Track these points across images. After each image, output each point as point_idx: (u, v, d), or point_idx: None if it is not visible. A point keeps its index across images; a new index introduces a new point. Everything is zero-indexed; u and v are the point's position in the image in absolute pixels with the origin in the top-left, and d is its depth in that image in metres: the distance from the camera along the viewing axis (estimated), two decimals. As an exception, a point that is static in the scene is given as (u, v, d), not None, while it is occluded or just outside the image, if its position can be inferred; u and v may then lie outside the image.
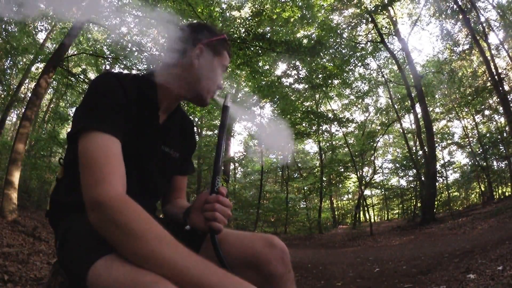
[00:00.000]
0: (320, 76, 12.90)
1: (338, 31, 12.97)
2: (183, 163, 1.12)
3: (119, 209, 0.63)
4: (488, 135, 15.41)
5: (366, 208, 18.87)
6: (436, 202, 12.60)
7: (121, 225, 0.61)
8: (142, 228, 0.60)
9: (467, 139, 16.81)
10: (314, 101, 16.46)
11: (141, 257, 0.58)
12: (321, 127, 15.79)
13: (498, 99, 11.52)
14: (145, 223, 0.62)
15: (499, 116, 15.36)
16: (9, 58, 10.30)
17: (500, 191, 15.49)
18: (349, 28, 13.40)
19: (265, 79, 12.21)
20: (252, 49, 8.80)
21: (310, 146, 26.81)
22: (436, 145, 14.90)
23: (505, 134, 14.19)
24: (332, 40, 12.98)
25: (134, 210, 0.63)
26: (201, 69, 0.96)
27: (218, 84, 1.01)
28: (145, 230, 0.60)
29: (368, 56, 14.56)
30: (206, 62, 0.97)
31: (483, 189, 15.58)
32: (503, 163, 14.83)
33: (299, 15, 11.94)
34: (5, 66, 10.67)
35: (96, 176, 0.67)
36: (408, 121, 19.32)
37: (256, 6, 11.02)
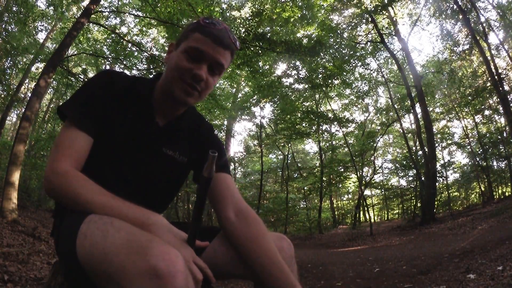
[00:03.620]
0: (320, 76, 12.90)
1: (338, 31, 12.97)
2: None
3: (62, 178, 0.80)
4: (488, 135, 15.40)
5: (366, 208, 18.87)
6: (436, 202, 12.59)
7: (63, 186, 0.79)
8: (77, 186, 0.78)
9: (467, 139, 16.81)
10: (314, 101, 16.47)
11: (78, 206, 0.76)
12: (321, 127, 15.80)
13: (498, 99, 11.51)
14: (81, 183, 0.79)
15: (499, 116, 15.37)
16: (9, 58, 10.29)
17: (500, 191, 15.49)
18: (349, 28, 13.39)
19: (265, 79, 12.20)
20: (252, 49, 8.80)
21: (310, 146, 26.89)
22: (436, 145, 14.91)
23: (505, 134, 14.19)
24: (332, 40, 12.99)
25: (72, 176, 0.80)
26: (168, 62, 0.92)
27: (189, 71, 0.86)
28: (80, 187, 0.78)
29: (368, 56, 14.57)
30: (173, 54, 0.91)
31: (483, 189, 15.58)
32: (503, 163, 14.85)
33: (299, 15, 11.95)
34: (5, 66, 10.66)
35: (53, 157, 0.83)
36: (408, 121, 19.35)
37: (256, 6, 11.02)
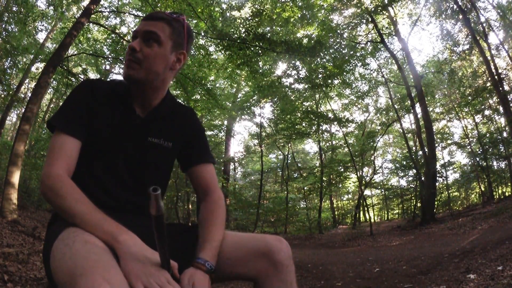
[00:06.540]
0: (320, 76, 12.90)
1: (338, 31, 12.97)
2: (188, 152, 1.10)
3: (54, 182, 0.86)
4: (488, 135, 15.40)
5: (366, 208, 18.87)
6: (436, 202, 12.59)
7: (54, 190, 0.85)
8: (64, 192, 0.84)
9: (467, 139, 16.80)
10: (314, 101, 16.46)
11: (63, 211, 0.82)
12: (321, 127, 15.79)
13: (498, 99, 11.51)
14: (68, 190, 0.85)
15: (499, 116, 15.37)
16: (9, 58, 10.29)
17: (500, 191, 15.48)
18: (349, 28, 13.38)
19: (265, 79, 12.20)
20: (252, 49, 8.79)
21: (310, 146, 26.90)
22: (436, 145, 14.91)
23: (505, 134, 14.19)
24: (332, 40, 12.98)
25: (62, 182, 0.86)
26: None
27: (129, 47, 0.98)
28: (66, 194, 0.84)
29: (368, 56, 14.56)
30: None
31: (483, 189, 15.57)
32: (503, 163, 14.85)
33: (299, 15, 11.96)
34: (5, 66, 10.65)
35: (48, 161, 0.90)
36: (408, 121, 19.35)
37: (256, 6, 11.02)
